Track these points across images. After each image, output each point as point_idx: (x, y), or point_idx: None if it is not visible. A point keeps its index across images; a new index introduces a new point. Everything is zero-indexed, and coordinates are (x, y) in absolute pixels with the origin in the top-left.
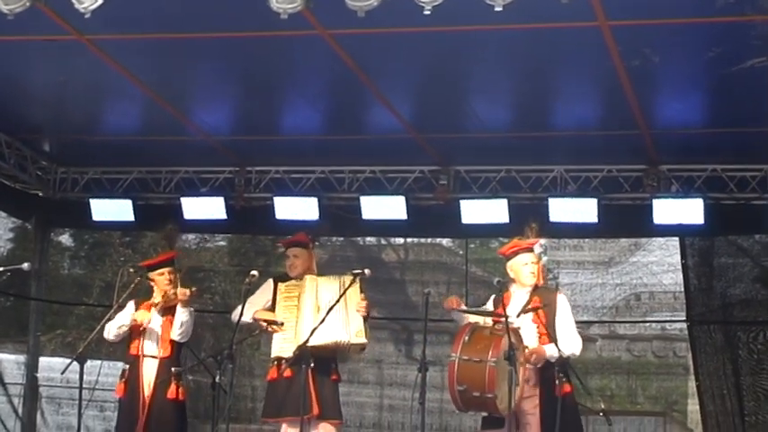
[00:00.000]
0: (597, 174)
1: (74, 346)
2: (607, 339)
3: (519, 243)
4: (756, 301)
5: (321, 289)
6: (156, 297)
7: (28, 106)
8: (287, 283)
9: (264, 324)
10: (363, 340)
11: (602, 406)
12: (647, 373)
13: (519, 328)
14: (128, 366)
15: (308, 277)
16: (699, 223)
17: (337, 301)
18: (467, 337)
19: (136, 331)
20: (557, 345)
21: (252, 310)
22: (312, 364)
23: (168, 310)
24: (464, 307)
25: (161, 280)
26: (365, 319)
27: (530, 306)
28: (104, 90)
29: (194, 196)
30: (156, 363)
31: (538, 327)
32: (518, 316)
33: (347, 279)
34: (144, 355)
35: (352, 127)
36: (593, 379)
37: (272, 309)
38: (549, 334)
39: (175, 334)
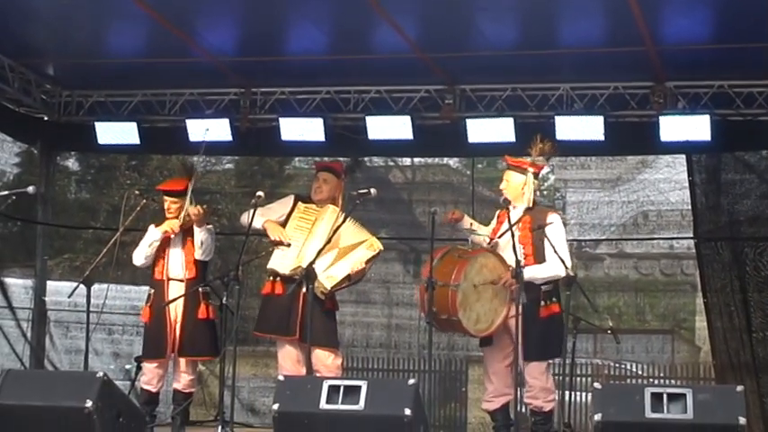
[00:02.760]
0: (603, 91)
1: (81, 270)
2: (615, 258)
3: (506, 158)
4: (763, 218)
5: (345, 230)
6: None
7: (31, 29)
8: (307, 205)
9: (272, 243)
10: (326, 285)
11: (610, 324)
12: (654, 290)
13: (497, 246)
14: (152, 291)
15: (330, 207)
16: (706, 140)
17: (333, 233)
18: (435, 261)
19: (159, 255)
20: (548, 264)
21: (265, 217)
22: (304, 290)
23: (188, 232)
24: (466, 220)
25: (173, 208)
26: (349, 277)
27: (515, 227)
28: (108, 12)
29: (199, 118)
30: (182, 285)
31: (524, 247)
32: (500, 236)
33: (372, 243)
34: (169, 278)
35: (357, 47)
36: (600, 297)
37: (284, 224)
38: (535, 255)
39: (198, 253)
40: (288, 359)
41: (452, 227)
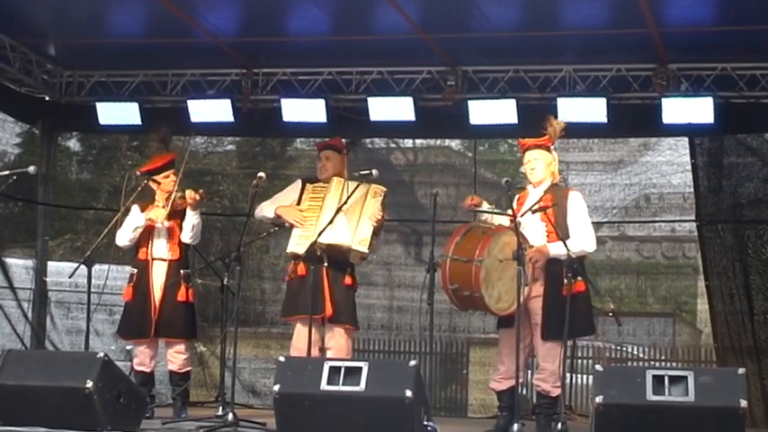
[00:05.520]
0: (606, 73)
1: (83, 251)
2: (617, 241)
3: (525, 141)
4: (765, 201)
5: (347, 192)
6: (159, 201)
7: (32, 9)
8: (315, 185)
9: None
10: (364, 249)
11: (612, 307)
12: (656, 273)
13: (519, 225)
14: (135, 270)
15: (335, 179)
16: (708, 122)
17: (344, 202)
18: (459, 238)
19: (144, 236)
20: (565, 243)
21: (276, 206)
22: (326, 264)
23: (175, 214)
24: (485, 205)
25: (167, 182)
26: (375, 230)
27: (536, 206)
28: None
29: (201, 99)
30: (165, 266)
31: (546, 225)
32: (523, 215)
33: (375, 190)
34: (153, 259)
35: (359, 28)
36: (602, 280)
37: None
38: (558, 233)
39: (187, 237)
40: (302, 339)
41: (472, 211)
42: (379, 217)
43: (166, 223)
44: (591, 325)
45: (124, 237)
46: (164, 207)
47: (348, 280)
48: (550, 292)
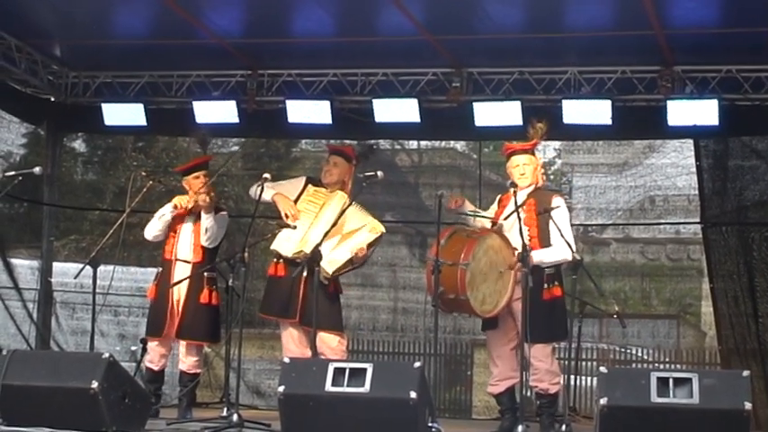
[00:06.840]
0: (611, 75)
1: (88, 251)
2: (621, 243)
3: (512, 145)
4: None
5: (349, 215)
6: (190, 203)
7: (38, 10)
8: (317, 188)
9: (278, 225)
10: (328, 270)
11: (617, 309)
12: (660, 275)
13: (501, 227)
14: (161, 269)
15: (339, 193)
16: (713, 125)
17: (333, 225)
18: (443, 241)
19: (170, 235)
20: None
21: (275, 191)
22: (305, 273)
23: (199, 215)
24: (468, 204)
25: (196, 183)
26: (351, 261)
27: (520, 207)
28: None
29: (206, 100)
30: (188, 267)
31: (530, 230)
32: (506, 218)
33: (374, 225)
34: (177, 260)
35: (364, 29)
36: (607, 282)
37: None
38: (541, 237)
39: (203, 239)
40: (291, 341)
41: (456, 212)
42: (361, 253)
43: (191, 225)
44: (565, 330)
45: (152, 228)
46: (193, 209)
47: (331, 287)
48: (532, 296)
